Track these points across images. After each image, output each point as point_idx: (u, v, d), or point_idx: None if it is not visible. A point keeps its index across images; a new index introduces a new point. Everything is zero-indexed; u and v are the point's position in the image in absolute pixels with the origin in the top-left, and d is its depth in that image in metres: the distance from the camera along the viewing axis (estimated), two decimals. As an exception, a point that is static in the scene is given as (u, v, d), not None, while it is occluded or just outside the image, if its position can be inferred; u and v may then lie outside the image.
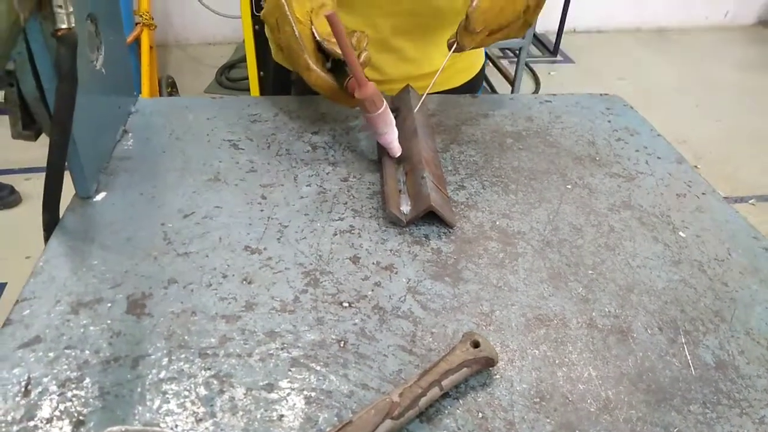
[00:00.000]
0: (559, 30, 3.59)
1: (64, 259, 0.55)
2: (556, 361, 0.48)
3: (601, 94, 0.90)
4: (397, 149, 0.67)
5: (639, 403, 0.45)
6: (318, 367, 0.46)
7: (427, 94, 0.73)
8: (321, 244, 0.58)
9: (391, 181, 0.64)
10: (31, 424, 0.41)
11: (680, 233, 0.63)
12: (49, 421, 0.41)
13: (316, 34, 0.68)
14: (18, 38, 0.48)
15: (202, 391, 0.44)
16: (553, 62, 3.64)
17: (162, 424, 0.42)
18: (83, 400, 0.43)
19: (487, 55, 1.09)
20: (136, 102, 0.79)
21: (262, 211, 0.62)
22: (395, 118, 0.69)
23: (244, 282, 0.54)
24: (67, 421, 0.41)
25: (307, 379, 0.45)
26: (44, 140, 0.55)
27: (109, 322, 0.49)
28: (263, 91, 2.23)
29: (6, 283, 1.85)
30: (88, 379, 0.44)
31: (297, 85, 0.95)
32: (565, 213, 0.65)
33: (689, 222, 0.65)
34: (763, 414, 0.45)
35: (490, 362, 0.46)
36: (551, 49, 3.68)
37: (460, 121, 0.80)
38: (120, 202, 0.62)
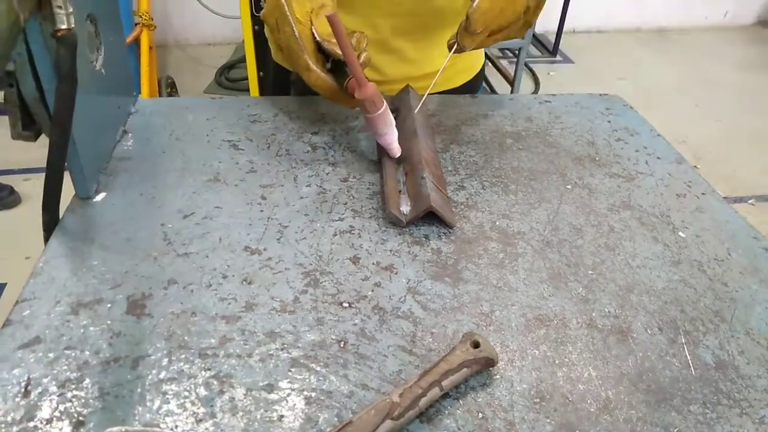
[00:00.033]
0: (558, 30, 3.59)
1: (64, 260, 0.55)
2: (556, 362, 0.48)
3: (600, 94, 0.90)
4: (396, 150, 0.67)
5: (639, 404, 0.45)
6: (318, 368, 0.46)
7: (427, 94, 0.73)
8: (321, 244, 0.58)
9: (391, 182, 0.64)
10: (31, 424, 0.41)
11: (680, 233, 0.63)
12: (49, 421, 0.41)
13: (316, 35, 0.68)
14: (18, 39, 0.48)
15: (202, 391, 0.44)
16: (553, 62, 3.64)
17: (162, 425, 0.42)
18: (83, 400, 0.43)
19: (486, 55, 1.09)
20: (136, 102, 0.79)
21: (262, 211, 0.62)
22: (395, 118, 0.69)
23: (244, 282, 0.54)
24: (66, 422, 0.41)
25: (307, 380, 0.45)
26: (44, 141, 0.55)
27: (109, 322, 0.49)
28: (263, 92, 2.23)
29: (6, 284, 1.85)
30: (88, 380, 0.44)
31: (296, 85, 0.95)
32: (564, 213, 0.65)
33: (689, 222, 0.65)
34: (763, 414, 0.45)
35: (490, 362, 0.46)
36: (551, 50, 3.68)
37: (460, 121, 0.80)
38: (120, 202, 0.62)
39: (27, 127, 0.56)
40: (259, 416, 0.43)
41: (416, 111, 0.72)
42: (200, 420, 0.42)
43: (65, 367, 0.45)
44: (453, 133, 0.77)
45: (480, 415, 0.44)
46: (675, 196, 0.69)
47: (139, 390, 0.44)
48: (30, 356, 0.46)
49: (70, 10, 0.50)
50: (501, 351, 0.49)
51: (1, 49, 0.46)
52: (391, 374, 0.46)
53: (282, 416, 0.43)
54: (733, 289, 0.56)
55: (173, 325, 0.49)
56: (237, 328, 0.49)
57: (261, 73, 2.21)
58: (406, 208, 0.61)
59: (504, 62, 3.39)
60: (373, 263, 0.56)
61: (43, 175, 0.55)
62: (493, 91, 3.03)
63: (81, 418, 0.42)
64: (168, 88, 2.77)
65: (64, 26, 0.50)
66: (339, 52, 0.63)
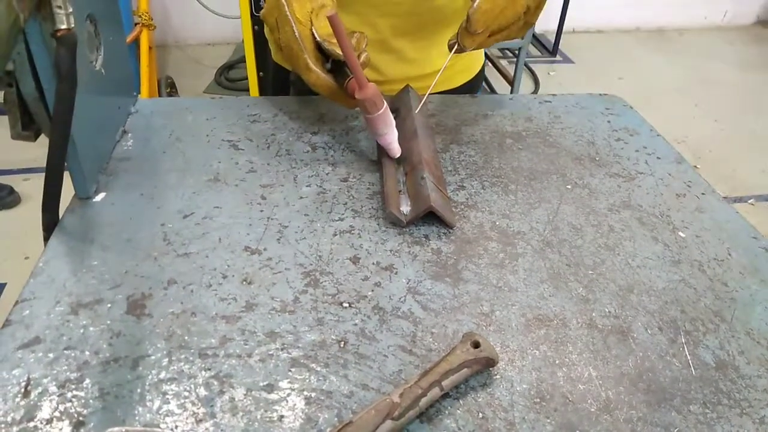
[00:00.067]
0: (558, 30, 3.59)
1: (63, 260, 0.55)
2: (557, 362, 0.48)
3: (600, 94, 0.90)
4: (396, 150, 0.67)
5: (639, 404, 0.45)
6: (318, 368, 0.46)
7: (428, 95, 0.73)
8: (321, 244, 0.58)
9: (391, 182, 0.64)
10: (31, 425, 0.41)
11: (680, 233, 0.63)
12: (49, 421, 0.41)
13: (316, 35, 0.68)
14: (18, 39, 0.48)
15: (202, 391, 0.44)
16: (553, 62, 3.64)
17: (162, 425, 0.42)
18: (83, 400, 0.43)
19: (486, 55, 1.09)
20: (136, 102, 0.79)
21: (261, 211, 0.62)
22: (395, 118, 0.69)
23: (244, 282, 0.54)
24: (66, 422, 0.41)
25: (308, 380, 0.45)
26: (43, 140, 0.55)
27: (108, 322, 0.49)
28: (263, 92, 2.23)
29: (6, 284, 1.85)
30: (88, 380, 0.44)
31: (296, 85, 0.95)
32: (564, 213, 0.65)
33: (689, 222, 0.65)
34: (764, 414, 0.45)
35: (490, 362, 0.46)
36: (550, 49, 3.68)
37: (459, 121, 0.80)
38: (120, 202, 0.62)
39: (27, 127, 0.56)
40: (259, 416, 0.43)
41: (416, 111, 0.72)
42: (200, 420, 0.42)
43: (65, 368, 0.45)
44: (453, 133, 0.77)
45: (480, 415, 0.44)
46: (675, 196, 0.69)
47: (139, 390, 0.44)
48: (30, 356, 0.46)
49: (70, 10, 0.50)
50: (501, 351, 0.49)
51: (1, 49, 0.46)
52: (391, 374, 0.46)
53: (282, 416, 0.43)
54: (733, 289, 0.57)
55: (173, 325, 0.49)
56: (237, 328, 0.49)
57: (261, 73, 2.21)
58: (406, 208, 0.61)
59: (504, 62, 3.39)
60: (373, 263, 0.56)
61: (42, 175, 0.55)
62: (492, 91, 3.03)
63: (81, 418, 0.42)
64: (168, 88, 2.77)
65: (63, 26, 0.50)
66: (339, 52, 0.63)
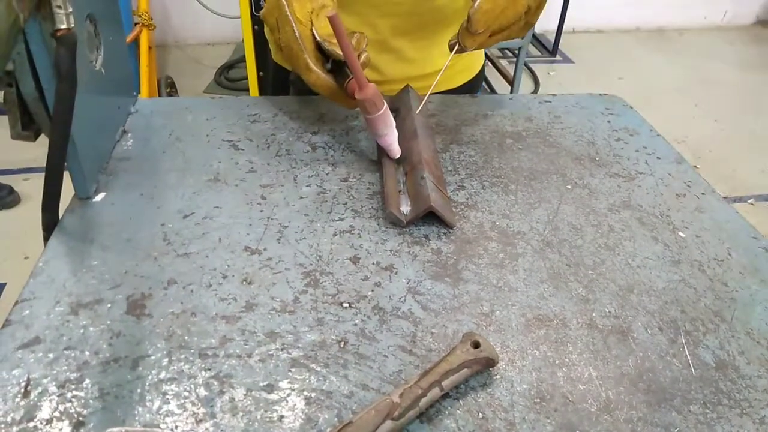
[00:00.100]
0: (558, 30, 3.59)
1: (63, 260, 0.55)
2: (557, 362, 0.48)
3: (600, 94, 0.90)
4: (396, 151, 0.67)
5: (639, 404, 0.45)
6: (318, 368, 0.46)
7: (428, 95, 0.73)
8: (321, 244, 0.58)
9: (391, 182, 0.64)
10: (31, 425, 0.41)
11: (680, 233, 0.63)
12: (49, 422, 0.41)
13: (316, 35, 0.68)
14: (18, 39, 0.48)
15: (202, 391, 0.44)
16: (553, 62, 3.64)
17: (162, 425, 0.42)
18: (83, 401, 0.43)
19: (486, 55, 1.09)
20: (136, 102, 0.79)
21: (261, 211, 0.62)
22: (395, 118, 0.69)
23: (244, 282, 0.54)
24: (66, 422, 0.41)
25: (308, 380, 0.45)
26: (43, 140, 0.55)
27: (108, 322, 0.49)
28: (262, 92, 2.23)
29: (6, 284, 1.85)
30: (87, 380, 0.44)
31: (296, 85, 0.95)
32: (564, 213, 0.65)
33: (689, 222, 0.65)
34: (764, 414, 0.45)
35: (490, 363, 0.46)
36: (550, 49, 3.68)
37: (459, 121, 0.80)
38: (120, 202, 0.62)
39: (26, 127, 0.56)
40: (259, 416, 0.43)
41: (417, 112, 0.72)
42: (200, 420, 0.42)
43: (65, 368, 0.45)
44: (453, 133, 0.77)
45: (480, 415, 0.44)
46: (675, 196, 0.69)
47: (139, 390, 0.44)
48: (30, 356, 0.46)
49: (70, 10, 0.50)
50: (501, 351, 0.49)
51: (1, 49, 0.46)
52: (391, 374, 0.46)
53: (282, 416, 0.43)
54: (733, 289, 0.57)
55: (173, 325, 0.49)
56: (237, 328, 0.49)
57: (261, 73, 2.21)
58: (406, 208, 0.61)
59: (504, 62, 3.39)
60: (373, 263, 0.56)
61: (42, 175, 0.55)
62: (492, 91, 3.03)
63: (81, 419, 0.42)
64: (167, 88, 2.77)
65: (63, 26, 0.50)
66: (339, 52, 0.63)
